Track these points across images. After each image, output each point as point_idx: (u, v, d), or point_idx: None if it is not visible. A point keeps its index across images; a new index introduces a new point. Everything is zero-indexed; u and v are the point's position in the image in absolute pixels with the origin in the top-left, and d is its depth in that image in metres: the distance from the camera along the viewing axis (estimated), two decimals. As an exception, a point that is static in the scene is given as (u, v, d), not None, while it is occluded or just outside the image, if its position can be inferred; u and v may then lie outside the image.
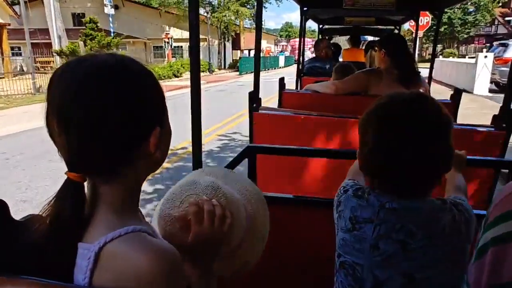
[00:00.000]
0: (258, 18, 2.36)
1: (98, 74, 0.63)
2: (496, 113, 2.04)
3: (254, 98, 2.31)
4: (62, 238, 0.65)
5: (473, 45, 43.58)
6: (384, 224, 0.89)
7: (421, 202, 0.90)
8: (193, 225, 0.86)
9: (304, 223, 1.60)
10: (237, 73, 27.09)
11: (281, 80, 3.03)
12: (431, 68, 4.00)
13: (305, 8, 3.88)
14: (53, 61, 17.51)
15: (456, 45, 44.79)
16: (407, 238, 0.86)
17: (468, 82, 13.98)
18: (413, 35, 5.69)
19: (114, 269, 0.62)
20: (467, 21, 40.39)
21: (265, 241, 1.01)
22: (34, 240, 0.67)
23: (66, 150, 0.64)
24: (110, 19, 22.00)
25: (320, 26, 5.98)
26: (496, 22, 42.79)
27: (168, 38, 26.07)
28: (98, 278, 0.62)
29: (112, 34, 20.69)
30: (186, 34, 29.53)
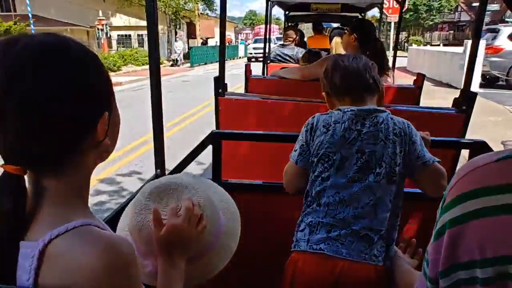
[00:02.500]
0: (222, 7, 2.40)
1: (35, 56, 0.59)
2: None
3: (219, 83, 2.34)
4: (1, 238, 0.62)
5: (437, 32, 45.35)
6: (347, 121, 1.35)
7: (369, 106, 1.40)
8: (168, 218, 0.91)
9: (273, 209, 1.67)
10: (189, 65, 25.25)
11: (248, 66, 3.09)
12: (395, 56, 4.23)
13: None
14: None
15: (421, 32, 46.39)
16: (361, 127, 1.34)
17: (453, 76, 12.28)
18: (380, 22, 5.92)
19: (61, 266, 0.59)
20: (432, 7, 41.92)
21: (232, 253, 1.07)
22: None
23: (2, 141, 0.60)
24: (27, 1, 18.46)
25: (286, 12, 6.07)
26: (459, 9, 44.71)
27: (103, 25, 23.22)
28: (43, 277, 0.60)
29: (31, 20, 17.70)
30: (133, 21, 27.27)
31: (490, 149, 1.56)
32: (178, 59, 25.42)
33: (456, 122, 2.23)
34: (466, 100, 2.22)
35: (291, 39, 4.66)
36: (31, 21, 17.25)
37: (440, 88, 11.74)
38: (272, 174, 1.79)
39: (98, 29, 23.11)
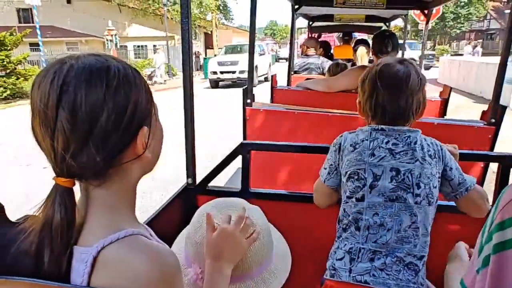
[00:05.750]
0: (252, 21, 2.51)
1: (82, 76, 0.66)
2: None
3: (247, 93, 2.46)
4: (55, 245, 0.68)
5: (464, 41, 44.50)
6: (375, 140, 1.32)
7: (400, 127, 1.35)
8: (221, 223, 1.01)
9: (298, 219, 1.73)
10: (203, 77, 22.00)
11: (273, 77, 3.20)
12: (420, 67, 4.26)
13: (296, 6, 4.06)
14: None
15: (447, 41, 45.64)
16: (393, 146, 1.30)
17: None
18: (405, 31, 5.96)
19: (112, 272, 0.66)
20: (459, 15, 41.27)
21: None
22: (29, 244, 0.70)
23: (53, 155, 0.67)
24: (35, 11, 17.72)
25: (310, 23, 6.17)
26: (488, 17, 43.95)
27: (111, 35, 22.16)
28: (95, 282, 0.67)
29: (38, 31, 17.50)
30: (149, 32, 27.30)
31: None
32: (156, 74, 19.26)
33: (484, 135, 2.25)
34: (495, 113, 2.24)
35: (313, 51, 4.74)
36: (38, 32, 17.20)
37: (483, 106, 9.93)
38: (296, 183, 1.85)
39: (107, 39, 22.23)
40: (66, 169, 0.67)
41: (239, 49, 18.81)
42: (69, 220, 0.68)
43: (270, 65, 19.65)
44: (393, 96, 1.33)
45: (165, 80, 20.02)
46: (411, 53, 17.91)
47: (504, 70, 2.30)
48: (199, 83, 19.30)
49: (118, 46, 23.50)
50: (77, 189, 0.72)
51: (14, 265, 0.71)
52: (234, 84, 16.66)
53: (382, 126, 1.34)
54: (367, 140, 1.33)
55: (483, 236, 0.63)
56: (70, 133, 0.65)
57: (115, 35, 22.60)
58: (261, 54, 18.00)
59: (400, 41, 3.69)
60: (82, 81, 0.65)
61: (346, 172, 1.34)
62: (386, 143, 1.31)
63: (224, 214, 1.04)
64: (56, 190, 0.69)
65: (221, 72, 16.61)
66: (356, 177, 1.31)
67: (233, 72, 16.42)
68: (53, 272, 0.69)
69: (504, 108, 2.25)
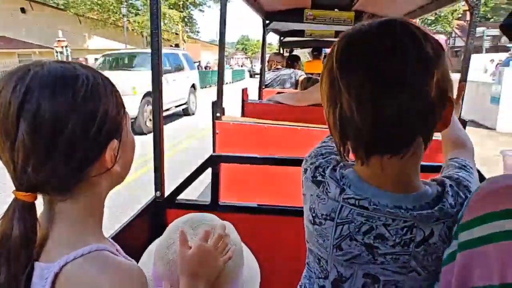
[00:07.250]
0: (221, 29, 2.57)
1: (45, 85, 0.62)
2: None
3: (217, 106, 2.47)
4: (12, 264, 0.64)
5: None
6: (347, 224, 0.78)
7: (402, 199, 0.75)
8: (199, 240, 0.96)
9: (269, 232, 1.74)
10: None
11: (244, 90, 3.24)
12: None
13: (267, 21, 4.18)
14: None
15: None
16: (377, 242, 0.76)
17: (483, 112, 10.18)
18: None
19: None
20: (426, 33, 42.93)
21: None
22: None
23: (12, 168, 0.64)
24: None
25: (281, 38, 6.33)
26: (453, 34, 45.94)
27: (62, 47, 20.11)
28: None
29: None
30: (111, 44, 26.31)
31: (480, 173, 1.65)
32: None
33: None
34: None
35: (280, 65, 4.90)
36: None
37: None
38: (267, 196, 1.87)
39: (56, 51, 20.05)
40: (27, 183, 0.64)
41: (126, 61, 10.91)
42: (29, 237, 0.65)
43: (195, 89, 12.54)
44: (368, 101, 0.68)
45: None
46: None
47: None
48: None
49: (70, 59, 21.08)
50: (39, 201, 0.69)
51: None
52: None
53: (363, 202, 0.76)
54: (332, 219, 0.80)
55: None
56: (31, 144, 0.61)
57: (66, 46, 20.82)
58: (176, 69, 11.15)
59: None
60: (47, 89, 0.62)
61: (307, 241, 0.92)
62: (366, 233, 0.76)
63: (202, 230, 1.02)
64: (15, 205, 0.65)
65: None
66: (317, 260, 0.89)
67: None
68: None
69: (465, 122, 2.35)
